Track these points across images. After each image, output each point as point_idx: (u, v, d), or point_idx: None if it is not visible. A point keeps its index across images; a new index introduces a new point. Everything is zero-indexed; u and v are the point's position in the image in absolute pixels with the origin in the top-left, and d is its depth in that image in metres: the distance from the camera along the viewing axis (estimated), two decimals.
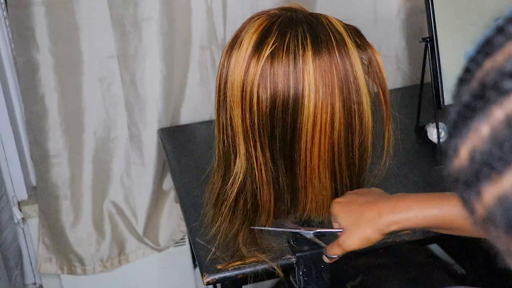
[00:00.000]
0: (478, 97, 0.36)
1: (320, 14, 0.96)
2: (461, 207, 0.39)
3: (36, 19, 1.47)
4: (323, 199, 1.00)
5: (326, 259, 0.97)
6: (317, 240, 1.00)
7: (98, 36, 1.54)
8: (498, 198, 0.35)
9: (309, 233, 1.00)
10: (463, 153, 0.37)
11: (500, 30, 0.36)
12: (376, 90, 0.98)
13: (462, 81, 0.38)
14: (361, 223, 0.89)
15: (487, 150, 0.35)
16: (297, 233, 1.02)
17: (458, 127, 0.37)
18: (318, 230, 1.00)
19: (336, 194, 1.00)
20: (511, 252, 0.37)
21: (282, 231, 1.03)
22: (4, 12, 1.60)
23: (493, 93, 0.35)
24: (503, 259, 0.38)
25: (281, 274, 1.01)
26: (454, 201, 0.76)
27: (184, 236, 1.78)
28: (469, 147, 0.36)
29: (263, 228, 1.03)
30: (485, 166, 0.35)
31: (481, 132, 0.35)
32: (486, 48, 0.37)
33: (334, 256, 0.95)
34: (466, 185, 0.37)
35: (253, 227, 1.02)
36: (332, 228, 0.97)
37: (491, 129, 0.35)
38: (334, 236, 0.96)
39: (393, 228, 0.87)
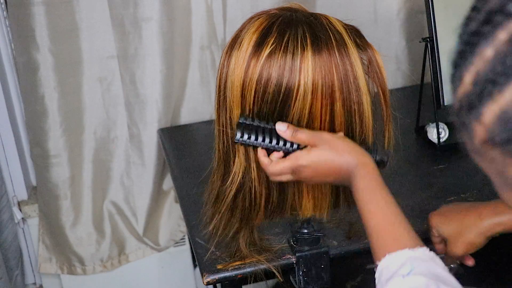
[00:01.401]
0: (485, 22, 0.38)
1: (320, 14, 0.96)
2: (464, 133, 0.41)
3: (36, 19, 1.47)
4: (322, 198, 1.00)
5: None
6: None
7: (98, 36, 1.54)
8: (498, 114, 0.37)
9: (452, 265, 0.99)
10: (467, 79, 0.39)
11: None
12: (376, 90, 0.98)
13: (469, 19, 0.40)
14: (463, 229, 0.89)
15: (490, 68, 0.37)
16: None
17: (464, 55, 0.40)
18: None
19: (337, 193, 1.00)
20: (506, 177, 0.39)
21: None
22: (4, 12, 1.60)
23: (499, 17, 0.37)
24: (496, 190, 0.41)
25: (280, 278, 1.01)
26: None
27: (184, 236, 1.78)
28: (473, 72, 0.38)
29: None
30: (488, 84, 0.37)
31: (485, 55, 0.38)
32: None
33: (453, 265, 0.96)
34: (468, 109, 0.39)
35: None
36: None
37: (495, 50, 0.37)
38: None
39: (497, 230, 0.87)
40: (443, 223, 0.93)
